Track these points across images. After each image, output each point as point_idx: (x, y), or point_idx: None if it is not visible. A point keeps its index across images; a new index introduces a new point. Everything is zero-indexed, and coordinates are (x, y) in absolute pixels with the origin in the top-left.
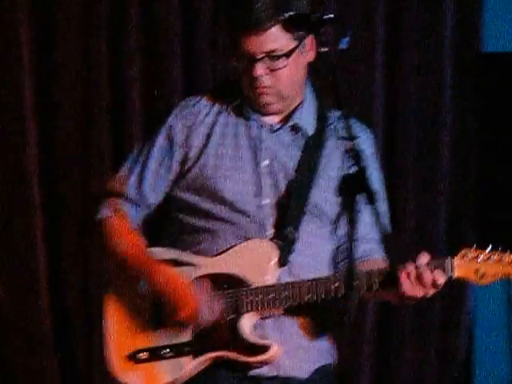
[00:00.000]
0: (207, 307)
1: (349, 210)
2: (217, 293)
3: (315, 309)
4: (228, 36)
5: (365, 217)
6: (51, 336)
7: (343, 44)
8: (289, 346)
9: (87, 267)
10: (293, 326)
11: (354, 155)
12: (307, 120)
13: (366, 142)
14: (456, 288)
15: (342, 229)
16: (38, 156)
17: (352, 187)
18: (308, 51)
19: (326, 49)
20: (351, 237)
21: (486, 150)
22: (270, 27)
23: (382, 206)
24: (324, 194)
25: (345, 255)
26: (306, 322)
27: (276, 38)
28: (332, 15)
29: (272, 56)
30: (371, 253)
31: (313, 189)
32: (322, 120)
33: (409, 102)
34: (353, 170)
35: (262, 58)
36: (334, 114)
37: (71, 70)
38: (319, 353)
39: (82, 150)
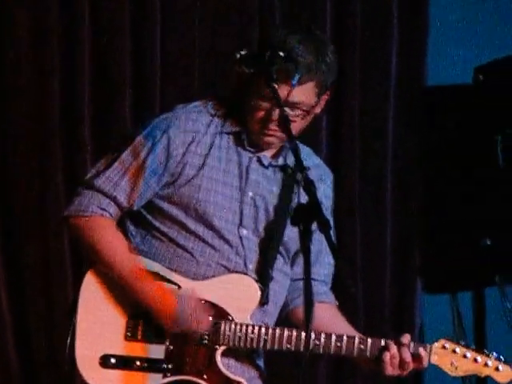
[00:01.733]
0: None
1: (303, 239)
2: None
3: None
4: (255, 73)
5: (326, 258)
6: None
7: (294, 80)
8: (246, 378)
9: (49, 271)
10: (248, 359)
11: (306, 185)
12: (291, 159)
13: (330, 185)
14: (405, 313)
15: (299, 265)
16: None
17: (305, 216)
18: (320, 106)
19: (276, 85)
20: (307, 272)
21: (429, 181)
22: (305, 83)
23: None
24: (294, 235)
25: (298, 294)
26: (256, 355)
27: (306, 93)
28: (282, 53)
29: (295, 107)
30: (327, 296)
31: (285, 228)
32: (296, 157)
33: (353, 135)
34: (305, 199)
35: (285, 105)
36: (303, 150)
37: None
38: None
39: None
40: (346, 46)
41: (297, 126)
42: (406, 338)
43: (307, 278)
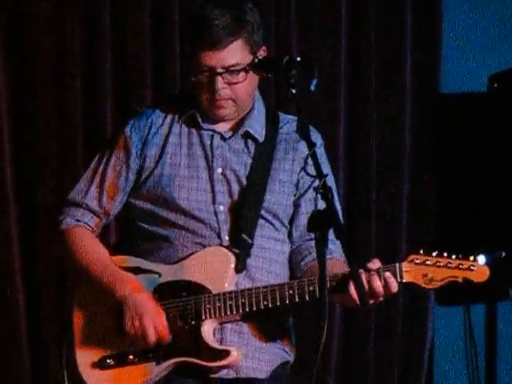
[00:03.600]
0: (162, 323)
1: (319, 244)
2: (176, 300)
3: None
4: (189, 51)
5: None
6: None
7: (312, 86)
8: (248, 349)
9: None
10: (251, 328)
11: (324, 192)
12: (257, 127)
13: (319, 147)
14: (417, 318)
15: (298, 231)
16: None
17: (321, 223)
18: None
19: (294, 91)
20: (322, 269)
21: (442, 191)
22: (230, 43)
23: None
24: (276, 199)
25: (306, 253)
26: (263, 324)
27: (235, 53)
28: (300, 58)
29: (232, 70)
30: (331, 252)
31: (265, 194)
32: (271, 126)
33: (370, 141)
34: (322, 205)
35: (223, 72)
36: (284, 118)
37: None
38: (277, 352)
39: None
40: (361, 57)
41: (243, 89)
42: (374, 264)
43: (322, 286)
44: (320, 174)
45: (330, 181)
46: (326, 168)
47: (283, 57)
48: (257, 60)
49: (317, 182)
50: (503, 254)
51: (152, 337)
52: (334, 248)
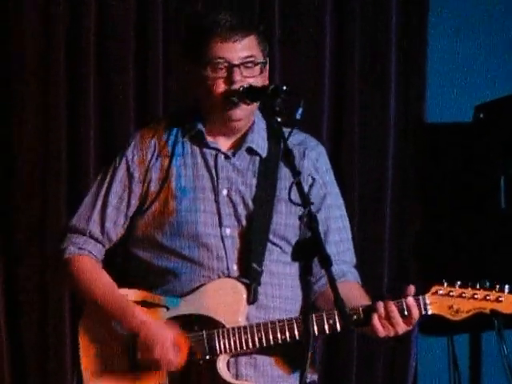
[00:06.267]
0: (174, 351)
1: (305, 273)
2: (189, 335)
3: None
4: (200, 47)
5: (334, 237)
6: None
7: (298, 114)
8: (265, 380)
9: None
10: (265, 359)
11: (308, 220)
12: (259, 142)
13: (320, 158)
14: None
15: None
16: None
17: (307, 252)
18: (266, 66)
19: (280, 119)
20: (308, 298)
21: (427, 217)
22: (246, 36)
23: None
24: (284, 220)
25: (318, 277)
26: (278, 352)
27: (251, 45)
28: (286, 87)
29: (248, 62)
30: (344, 274)
31: (272, 217)
32: (273, 140)
33: (353, 170)
34: (307, 234)
35: (240, 64)
36: (284, 132)
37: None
38: (296, 376)
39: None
40: (345, 85)
41: (258, 84)
42: (410, 290)
43: (306, 314)
44: (306, 203)
45: (338, 199)
46: (332, 182)
47: (269, 85)
48: (241, 89)
49: (328, 201)
50: (487, 284)
51: (164, 366)
52: (346, 268)
